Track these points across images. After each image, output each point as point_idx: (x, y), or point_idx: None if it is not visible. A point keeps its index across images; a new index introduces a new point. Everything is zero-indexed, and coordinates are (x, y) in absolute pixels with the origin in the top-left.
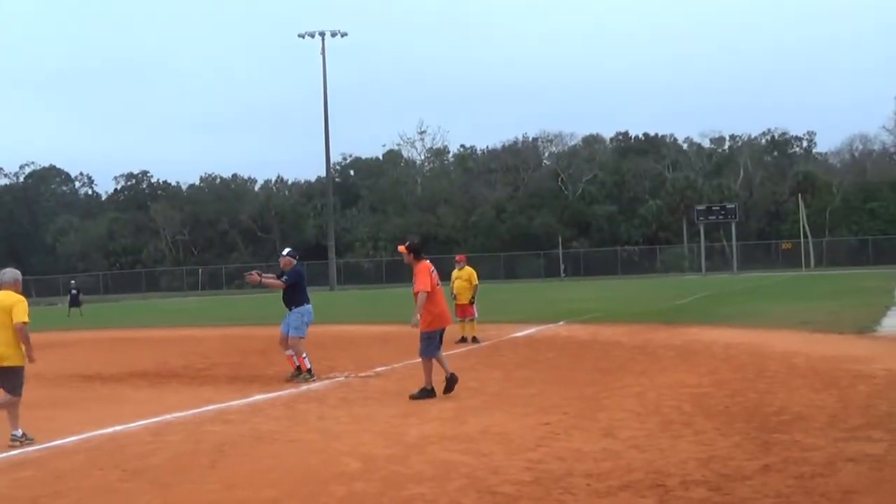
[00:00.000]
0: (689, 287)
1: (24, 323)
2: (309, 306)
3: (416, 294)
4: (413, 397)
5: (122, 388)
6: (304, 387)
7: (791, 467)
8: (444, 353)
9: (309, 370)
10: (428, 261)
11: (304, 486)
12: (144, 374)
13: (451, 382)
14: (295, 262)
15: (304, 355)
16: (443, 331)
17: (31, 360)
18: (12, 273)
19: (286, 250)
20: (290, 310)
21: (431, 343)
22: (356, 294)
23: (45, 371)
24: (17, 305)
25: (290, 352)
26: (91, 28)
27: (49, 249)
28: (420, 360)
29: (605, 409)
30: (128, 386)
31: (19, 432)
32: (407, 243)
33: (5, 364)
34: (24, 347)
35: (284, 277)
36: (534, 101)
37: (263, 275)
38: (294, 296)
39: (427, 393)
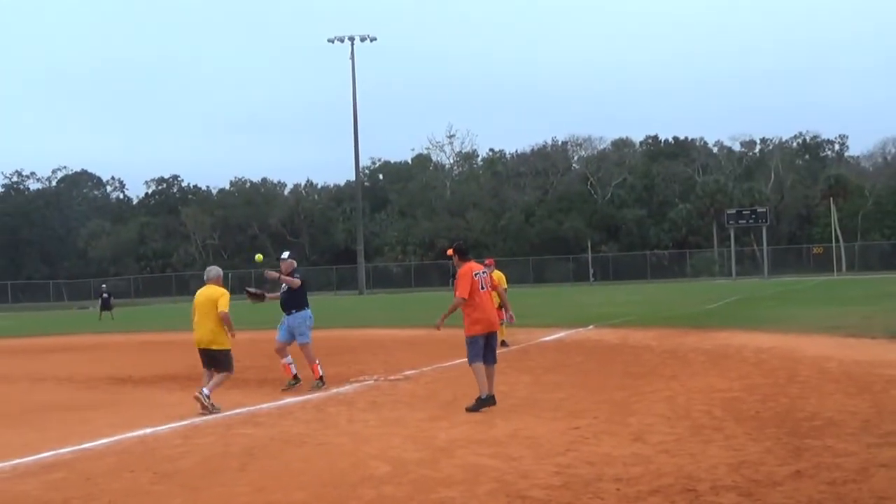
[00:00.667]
0: (719, 291)
1: (227, 312)
2: (309, 311)
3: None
4: (469, 409)
5: (153, 391)
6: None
7: (823, 473)
8: (494, 365)
9: (321, 377)
10: (473, 262)
11: (333, 490)
12: (175, 377)
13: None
14: (295, 265)
15: (318, 361)
16: (489, 336)
17: (233, 336)
18: (216, 270)
19: (286, 254)
20: (290, 314)
21: (475, 347)
22: (385, 298)
23: (77, 373)
24: (222, 298)
25: (287, 360)
26: (121, 33)
27: (81, 253)
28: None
29: (634, 413)
30: (159, 389)
31: (208, 396)
32: (454, 245)
33: (214, 347)
34: (228, 330)
35: (297, 276)
36: (563, 105)
37: (271, 278)
38: (297, 299)
39: (482, 402)
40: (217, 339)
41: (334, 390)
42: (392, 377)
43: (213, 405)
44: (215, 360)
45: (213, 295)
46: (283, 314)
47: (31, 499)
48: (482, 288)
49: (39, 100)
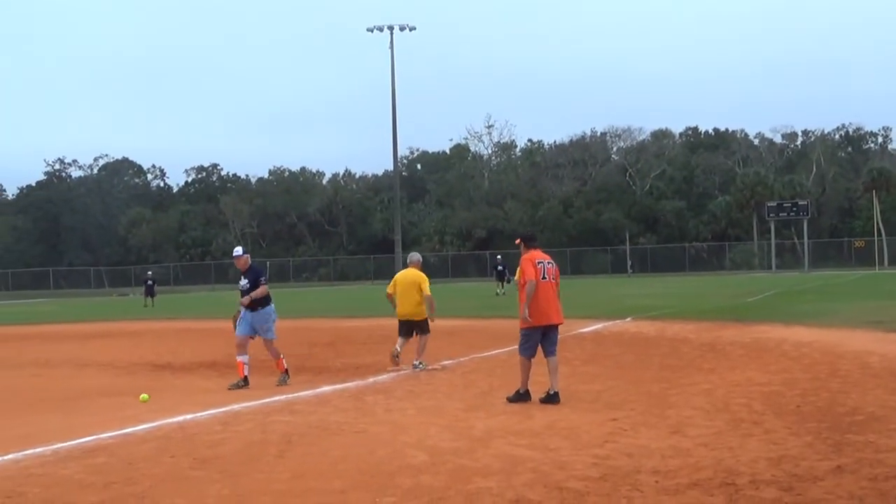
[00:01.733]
0: (759, 284)
1: (430, 295)
2: (273, 305)
3: (521, 287)
4: (509, 400)
5: (192, 378)
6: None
7: (865, 469)
8: (553, 358)
9: (286, 371)
10: (539, 251)
11: (371, 478)
12: (214, 364)
13: (550, 398)
14: (250, 259)
15: (282, 356)
16: (548, 329)
17: (432, 319)
18: (417, 256)
19: (239, 249)
20: (255, 311)
21: (528, 340)
22: None
23: (118, 360)
24: (424, 282)
25: (243, 358)
26: (163, 23)
27: (122, 241)
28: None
29: (673, 406)
30: (197, 376)
31: (417, 361)
32: (524, 233)
33: (417, 318)
34: (428, 309)
35: (263, 279)
36: (602, 96)
37: (242, 304)
38: (262, 296)
39: (521, 396)
40: (417, 312)
41: (372, 379)
42: (430, 367)
43: (423, 363)
44: (417, 327)
45: (414, 277)
46: (245, 309)
47: (73, 482)
48: (543, 277)
49: (81, 89)
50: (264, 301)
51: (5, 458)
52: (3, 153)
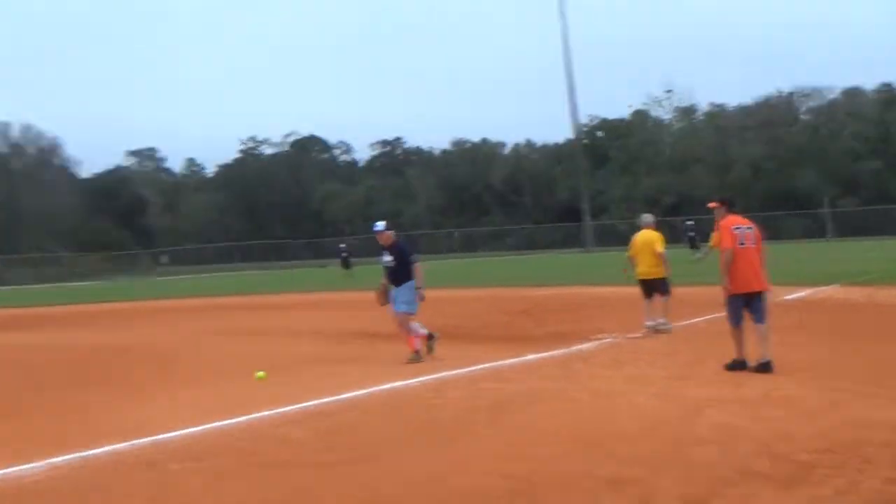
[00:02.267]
0: None
1: (663, 252)
2: (415, 281)
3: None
4: (726, 367)
5: (400, 346)
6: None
7: None
8: (761, 326)
9: (417, 352)
10: (737, 216)
11: (585, 445)
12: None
13: (762, 367)
14: (394, 235)
15: (415, 335)
16: (750, 296)
17: (668, 273)
18: (650, 217)
19: (380, 224)
20: (399, 286)
21: (729, 308)
22: (611, 255)
23: (326, 328)
24: (658, 241)
25: (422, 331)
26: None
27: (316, 214)
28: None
29: (893, 375)
30: (404, 344)
31: (663, 320)
32: (726, 196)
33: (653, 277)
34: (665, 266)
35: (413, 258)
36: (783, 56)
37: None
38: (406, 271)
39: (737, 364)
40: (654, 271)
41: (576, 347)
42: (631, 335)
43: (663, 324)
44: (656, 287)
45: (650, 237)
46: (393, 287)
47: (301, 444)
48: (741, 244)
49: (271, 68)
50: (410, 275)
51: (240, 419)
52: (202, 133)
